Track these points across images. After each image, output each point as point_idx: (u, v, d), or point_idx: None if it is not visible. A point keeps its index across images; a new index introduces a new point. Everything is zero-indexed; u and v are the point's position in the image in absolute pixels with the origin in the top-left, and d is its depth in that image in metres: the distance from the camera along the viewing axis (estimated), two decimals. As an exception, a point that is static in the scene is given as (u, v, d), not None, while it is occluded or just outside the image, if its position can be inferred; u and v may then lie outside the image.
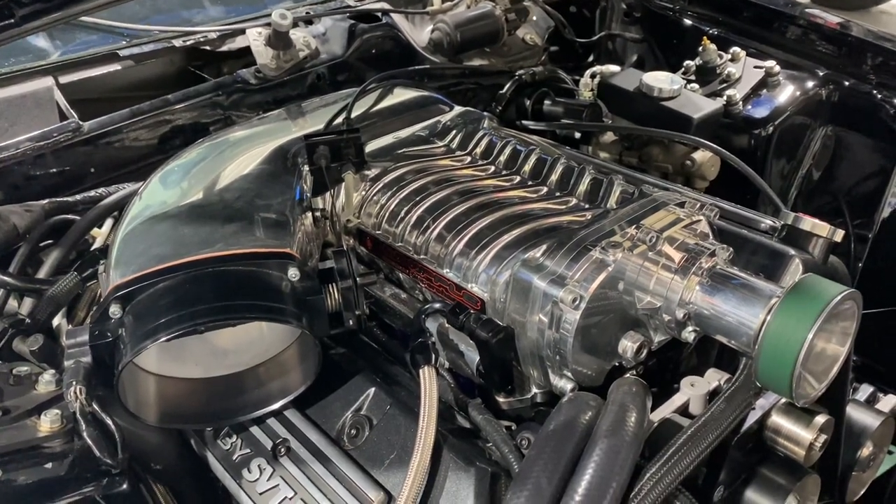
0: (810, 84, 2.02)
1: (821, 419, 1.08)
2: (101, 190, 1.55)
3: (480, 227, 1.27)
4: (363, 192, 1.45)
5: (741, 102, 1.95)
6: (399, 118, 1.67)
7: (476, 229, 1.27)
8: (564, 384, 1.12)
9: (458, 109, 1.74)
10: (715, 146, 1.65)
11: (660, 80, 1.87)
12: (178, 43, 1.88)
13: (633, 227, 1.17)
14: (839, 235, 1.25)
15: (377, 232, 1.39)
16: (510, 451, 1.03)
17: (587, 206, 1.36)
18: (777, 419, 1.09)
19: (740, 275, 1.08)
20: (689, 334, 1.12)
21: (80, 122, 1.61)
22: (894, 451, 1.58)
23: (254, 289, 1.13)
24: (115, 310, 1.11)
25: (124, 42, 1.85)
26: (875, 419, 1.29)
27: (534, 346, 1.13)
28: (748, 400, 1.05)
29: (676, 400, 1.08)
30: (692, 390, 1.09)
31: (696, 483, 1.06)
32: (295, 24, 1.86)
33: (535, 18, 2.27)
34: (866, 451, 1.29)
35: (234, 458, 1.18)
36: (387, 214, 1.39)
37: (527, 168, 1.49)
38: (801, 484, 1.08)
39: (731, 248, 1.15)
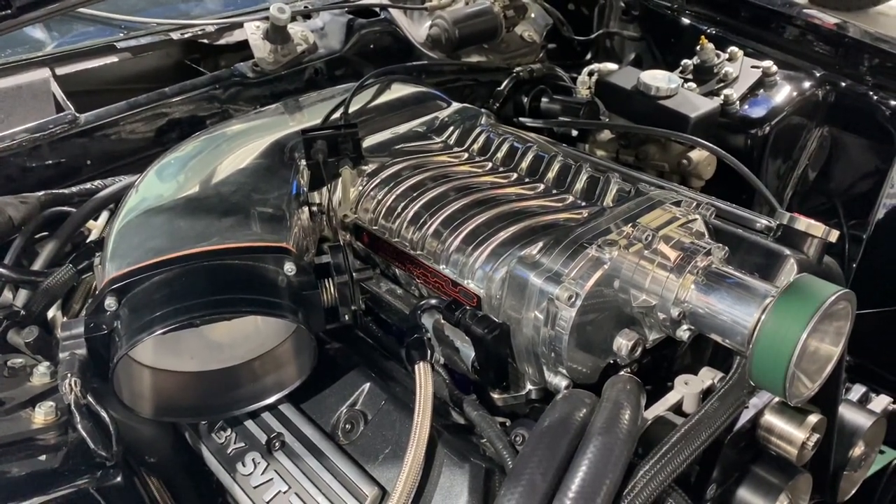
0: (807, 84, 2.03)
1: (813, 418, 1.08)
2: (96, 182, 1.55)
3: (477, 224, 1.27)
4: (360, 188, 1.45)
5: (738, 102, 1.96)
6: (397, 114, 1.67)
7: (473, 226, 1.27)
8: (559, 381, 1.12)
9: (455, 106, 1.74)
10: (711, 145, 1.66)
11: (657, 79, 1.88)
12: (175, 36, 1.88)
13: (630, 225, 1.18)
14: (834, 236, 1.25)
15: (374, 227, 1.39)
16: (504, 447, 1.04)
17: (584, 203, 1.36)
18: (770, 418, 1.10)
19: (735, 274, 1.08)
20: (683, 333, 1.12)
21: (77, 114, 1.61)
22: (886, 451, 1.59)
23: (250, 283, 1.13)
24: (110, 302, 1.11)
25: (121, 34, 1.85)
26: (867, 419, 1.30)
27: (529, 343, 1.13)
28: (742, 399, 1.06)
29: (670, 398, 1.09)
30: (686, 388, 1.09)
31: (689, 481, 1.07)
32: (293, 19, 1.86)
33: (533, 15, 2.27)
34: (858, 450, 1.29)
35: (228, 451, 1.17)
36: (383, 210, 1.39)
37: (524, 165, 1.49)
38: (793, 483, 1.09)
39: (726, 248, 1.15)
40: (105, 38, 1.83)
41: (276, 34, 1.80)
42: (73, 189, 1.53)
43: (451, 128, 1.64)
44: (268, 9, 1.79)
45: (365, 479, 1.07)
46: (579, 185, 1.40)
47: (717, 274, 1.09)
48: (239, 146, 1.44)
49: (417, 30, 2.11)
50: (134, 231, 1.22)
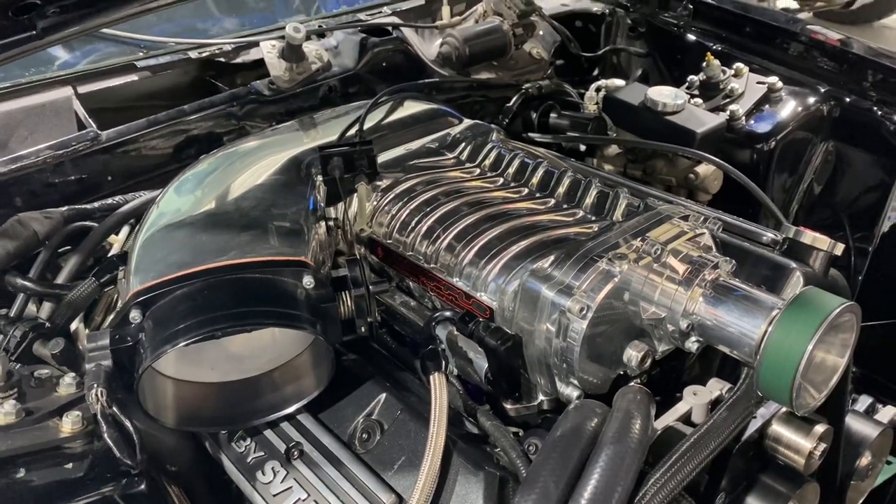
0: (812, 100, 2.05)
1: (820, 428, 1.10)
2: (118, 198, 1.58)
3: (489, 238, 1.30)
4: (375, 203, 1.47)
5: (744, 117, 1.98)
6: (410, 130, 1.70)
7: (485, 240, 1.30)
8: (571, 392, 1.15)
9: (467, 122, 1.77)
10: (718, 160, 1.68)
11: (664, 95, 1.90)
12: (193, 54, 1.91)
13: (639, 239, 1.20)
14: (839, 249, 1.27)
15: (388, 241, 1.42)
16: (518, 456, 1.06)
17: (594, 218, 1.38)
18: (778, 428, 1.12)
19: (742, 287, 1.11)
20: (692, 344, 1.14)
21: (98, 131, 1.64)
22: (893, 461, 1.60)
23: (270, 296, 1.16)
24: (135, 315, 1.14)
25: (141, 53, 1.89)
26: (874, 429, 1.31)
27: (541, 354, 1.16)
28: (749, 409, 1.08)
29: (679, 408, 1.11)
30: (695, 399, 1.11)
31: (699, 489, 1.09)
32: (308, 38, 1.89)
33: (541, 33, 2.30)
34: (865, 460, 1.31)
35: (248, 460, 1.20)
36: (398, 224, 1.42)
37: (534, 180, 1.52)
38: (801, 492, 1.11)
39: (733, 261, 1.17)
40: (126, 56, 1.87)
41: (292, 53, 1.83)
42: (96, 204, 1.56)
43: (463, 144, 1.67)
44: (283, 28, 1.83)
45: (382, 487, 1.09)
46: (589, 199, 1.42)
47: (725, 287, 1.11)
48: (256, 162, 1.48)
49: (428, 48, 2.15)
50: (156, 245, 1.26)
